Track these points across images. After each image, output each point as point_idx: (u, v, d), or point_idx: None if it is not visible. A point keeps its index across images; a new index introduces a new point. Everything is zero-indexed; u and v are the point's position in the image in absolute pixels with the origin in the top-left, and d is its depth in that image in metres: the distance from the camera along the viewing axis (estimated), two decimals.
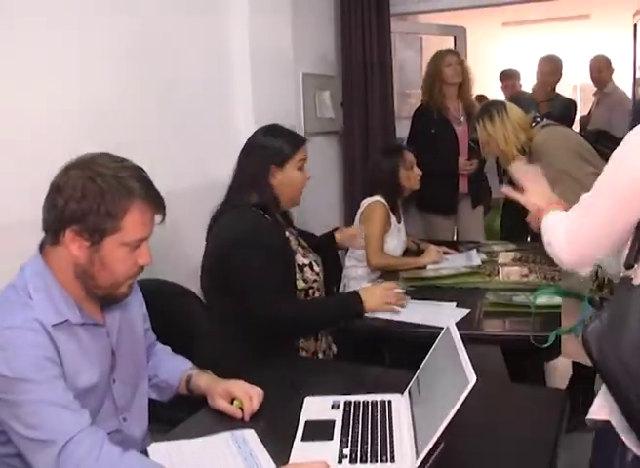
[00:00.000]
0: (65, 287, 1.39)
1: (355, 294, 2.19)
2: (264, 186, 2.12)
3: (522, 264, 2.79)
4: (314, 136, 3.67)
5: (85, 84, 2.22)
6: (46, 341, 1.31)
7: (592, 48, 5.54)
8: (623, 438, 1.24)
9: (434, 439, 1.24)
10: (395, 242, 3.17)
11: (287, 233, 2.21)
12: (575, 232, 1.34)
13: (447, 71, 3.84)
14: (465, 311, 2.30)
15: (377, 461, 1.32)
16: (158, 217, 1.43)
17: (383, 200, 3.10)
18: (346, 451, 1.36)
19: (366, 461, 1.32)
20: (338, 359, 2.30)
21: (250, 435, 1.46)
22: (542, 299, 2.18)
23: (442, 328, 2.11)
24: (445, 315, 2.27)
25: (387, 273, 2.90)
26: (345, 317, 2.20)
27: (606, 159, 2.97)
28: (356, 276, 3.14)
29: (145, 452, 1.40)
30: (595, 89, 5.12)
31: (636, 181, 1.24)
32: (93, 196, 1.33)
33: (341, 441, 1.40)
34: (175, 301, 2.28)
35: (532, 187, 1.70)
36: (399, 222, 3.22)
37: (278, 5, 3.23)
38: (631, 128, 1.34)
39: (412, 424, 1.43)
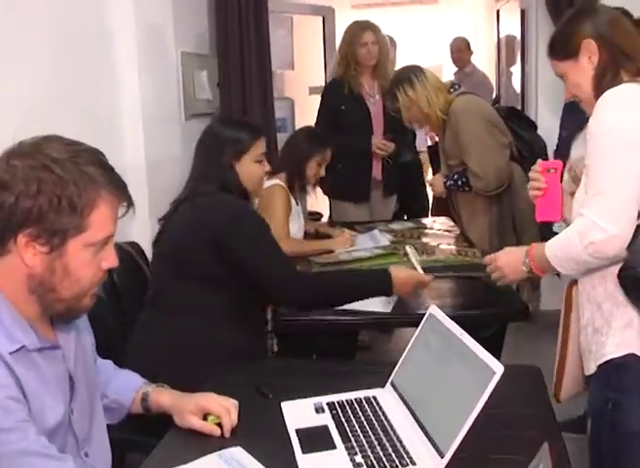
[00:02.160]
0: (16, 305, 1.14)
1: (388, 280, 1.96)
2: (230, 175, 2.01)
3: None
4: (194, 118, 3.45)
5: None
6: (6, 376, 1.06)
7: (439, 31, 5.76)
8: None
9: (462, 435, 1.17)
10: (297, 226, 3.07)
11: None
12: (611, 213, 1.37)
13: (361, 52, 3.57)
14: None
15: (397, 466, 1.22)
16: (122, 209, 1.22)
17: (281, 182, 2.98)
18: (359, 459, 1.24)
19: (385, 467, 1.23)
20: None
21: (239, 453, 1.30)
22: None
23: (374, 312, 2.13)
24: (378, 300, 2.20)
25: (297, 259, 2.79)
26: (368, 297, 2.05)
27: (514, 135, 3.10)
28: None
29: None
30: (451, 70, 5.34)
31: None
32: (51, 189, 1.08)
33: (347, 448, 1.29)
34: None
35: (505, 268, 1.71)
36: (297, 204, 3.12)
37: None
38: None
39: (414, 420, 1.35)
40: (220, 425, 1.39)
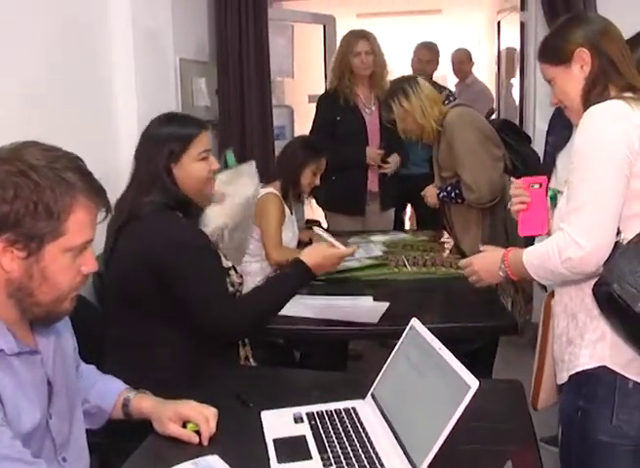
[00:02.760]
0: None
1: (304, 268, 1.88)
2: (167, 186, 1.83)
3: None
4: None
5: None
6: None
7: (444, 42, 5.77)
8: (620, 371, 1.45)
9: (435, 449, 1.18)
10: (290, 235, 3.09)
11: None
12: (590, 230, 1.38)
13: (355, 61, 3.53)
14: (385, 305, 2.25)
15: None
16: (101, 214, 1.23)
17: (276, 191, 2.99)
18: None
19: None
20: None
21: (215, 461, 1.30)
22: None
23: (362, 324, 2.13)
24: (365, 310, 2.22)
25: None
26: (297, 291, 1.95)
27: (507, 148, 3.10)
28: (250, 271, 3.01)
29: None
30: (452, 81, 5.35)
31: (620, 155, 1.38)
32: (28, 194, 1.09)
33: (323, 458, 1.29)
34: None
35: (482, 272, 1.71)
36: (292, 213, 3.14)
37: None
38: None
39: (391, 432, 1.35)
40: (198, 433, 1.39)
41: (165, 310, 1.78)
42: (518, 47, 4.20)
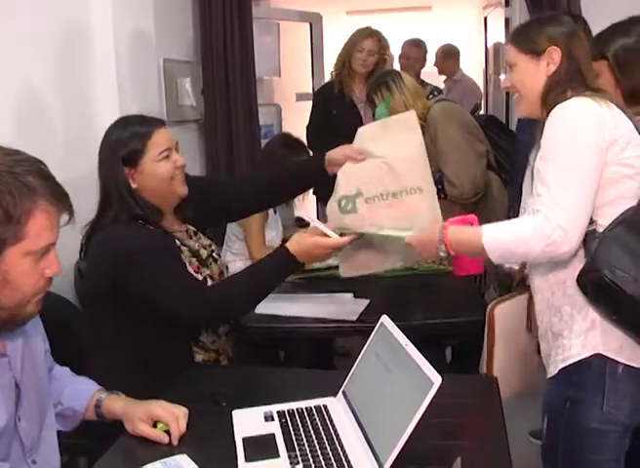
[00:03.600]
0: None
1: (285, 255, 1.77)
2: (128, 196, 1.78)
3: None
4: (177, 125, 3.47)
5: None
6: None
7: (435, 38, 5.77)
8: (614, 357, 1.48)
9: (400, 445, 1.18)
10: (274, 233, 3.09)
11: (178, 242, 1.91)
12: (568, 214, 1.41)
13: (357, 56, 3.57)
14: (365, 301, 2.26)
15: None
16: (65, 217, 1.23)
17: None
18: None
19: None
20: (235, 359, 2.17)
21: (184, 460, 1.31)
22: None
23: (344, 321, 2.13)
24: (345, 307, 2.23)
25: None
26: (280, 281, 1.86)
27: (492, 144, 3.09)
28: (235, 270, 3.01)
29: None
30: (439, 77, 5.34)
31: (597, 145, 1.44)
32: None
33: (290, 456, 1.30)
34: (50, 312, 2.02)
35: (421, 250, 1.67)
36: (275, 212, 3.13)
37: None
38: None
39: (359, 429, 1.36)
40: (169, 433, 1.40)
41: (133, 313, 1.76)
42: (504, 42, 4.21)
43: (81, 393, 1.51)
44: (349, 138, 3.51)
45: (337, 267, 2.59)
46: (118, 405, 1.47)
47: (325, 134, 3.57)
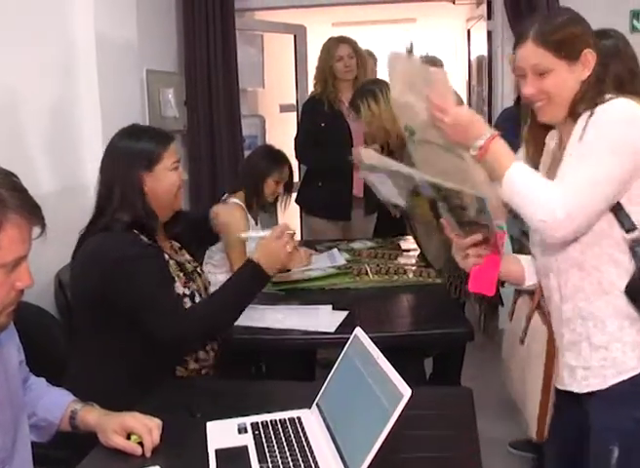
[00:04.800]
0: None
1: (251, 267, 1.84)
2: (136, 198, 1.81)
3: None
4: None
5: None
6: None
7: (420, 51, 5.81)
8: None
9: (369, 458, 1.19)
10: (254, 245, 3.08)
11: (166, 256, 1.93)
12: (579, 206, 1.37)
13: (338, 66, 3.55)
14: (343, 313, 2.27)
15: None
16: (37, 230, 1.23)
17: (240, 201, 3.00)
18: None
19: None
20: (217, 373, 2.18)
21: None
22: None
23: (324, 333, 2.14)
24: (324, 318, 2.24)
25: None
26: (255, 293, 1.89)
27: None
28: (215, 282, 3.00)
29: None
30: None
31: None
32: None
33: None
34: (30, 323, 2.01)
35: (455, 127, 1.51)
36: (257, 224, 3.14)
37: None
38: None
39: (332, 441, 1.37)
40: (142, 444, 1.40)
41: (119, 324, 1.77)
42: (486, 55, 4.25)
43: (56, 404, 1.51)
44: (339, 150, 3.55)
45: (317, 279, 2.64)
46: (92, 416, 1.47)
47: (314, 146, 3.58)
